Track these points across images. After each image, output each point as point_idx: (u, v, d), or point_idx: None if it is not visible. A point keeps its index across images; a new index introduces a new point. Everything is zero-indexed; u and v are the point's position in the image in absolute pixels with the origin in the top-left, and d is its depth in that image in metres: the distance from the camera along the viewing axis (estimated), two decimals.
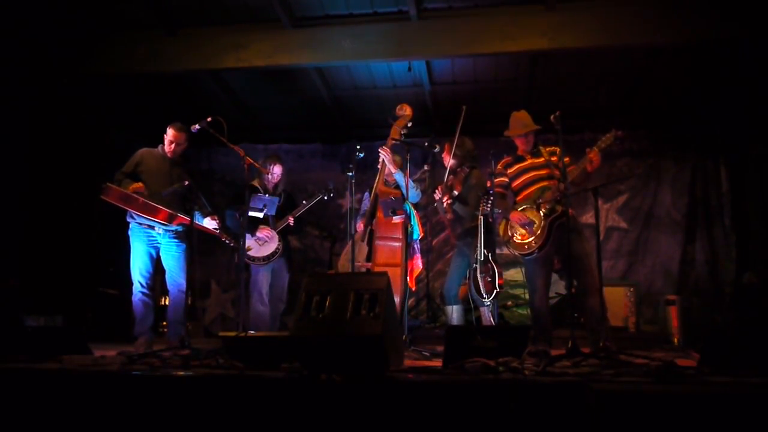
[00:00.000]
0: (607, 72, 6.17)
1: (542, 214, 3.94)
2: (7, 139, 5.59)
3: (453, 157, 4.56)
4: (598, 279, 3.66)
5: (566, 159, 3.76)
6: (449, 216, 4.49)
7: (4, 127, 5.54)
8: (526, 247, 4.01)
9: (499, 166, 4.25)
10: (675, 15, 5.05)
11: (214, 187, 7.35)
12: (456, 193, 4.47)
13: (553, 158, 4.04)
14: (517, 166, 4.21)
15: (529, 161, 4.15)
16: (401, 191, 4.49)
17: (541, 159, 4.09)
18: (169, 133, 4.39)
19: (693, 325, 5.85)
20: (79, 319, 5.97)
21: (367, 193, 4.85)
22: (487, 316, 4.39)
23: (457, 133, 4.43)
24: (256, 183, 4.86)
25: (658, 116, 6.90)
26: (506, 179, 4.26)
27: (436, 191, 4.48)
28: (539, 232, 3.94)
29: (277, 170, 4.90)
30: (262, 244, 4.70)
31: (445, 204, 4.40)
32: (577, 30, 5.19)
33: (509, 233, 4.13)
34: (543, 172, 4.06)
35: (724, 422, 1.96)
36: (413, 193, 4.47)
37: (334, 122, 7.37)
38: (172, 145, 4.39)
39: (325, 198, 5.01)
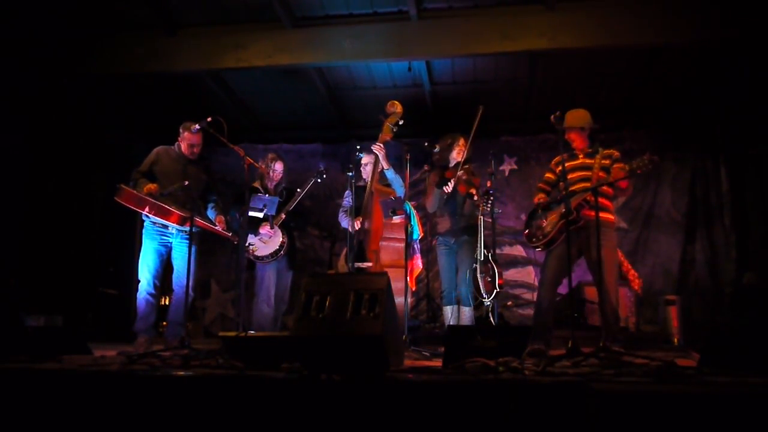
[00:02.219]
0: (607, 72, 6.17)
1: (560, 213, 3.95)
2: (8, 139, 5.59)
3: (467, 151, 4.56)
4: (609, 285, 3.72)
5: (619, 165, 3.76)
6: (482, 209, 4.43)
7: (5, 126, 5.54)
8: (534, 239, 4.09)
9: (552, 164, 4.31)
10: (675, 15, 5.05)
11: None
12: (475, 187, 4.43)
13: (605, 161, 4.01)
14: (568, 164, 4.14)
15: (581, 161, 4.12)
16: (394, 189, 4.54)
17: (592, 160, 4.05)
18: (187, 137, 4.39)
19: (693, 325, 5.85)
20: (79, 319, 5.97)
21: (348, 191, 4.83)
22: (468, 316, 4.38)
23: (473, 131, 4.41)
24: (257, 184, 4.87)
25: (658, 116, 6.90)
26: (553, 176, 4.27)
27: (448, 184, 4.40)
28: (550, 228, 3.98)
29: (278, 167, 4.91)
30: (266, 241, 4.70)
31: (480, 202, 4.36)
32: (577, 30, 5.19)
33: (531, 223, 4.17)
34: (587, 173, 4.03)
35: (724, 422, 1.96)
36: (401, 189, 4.54)
37: (334, 122, 7.37)
38: (193, 148, 4.42)
39: (319, 180, 5.00)
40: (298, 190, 4.90)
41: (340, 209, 4.94)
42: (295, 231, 5.11)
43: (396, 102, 4.56)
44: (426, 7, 5.34)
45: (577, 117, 4.12)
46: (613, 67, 6.04)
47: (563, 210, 3.90)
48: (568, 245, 3.52)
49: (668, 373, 2.34)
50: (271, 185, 4.91)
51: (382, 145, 4.45)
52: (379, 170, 4.56)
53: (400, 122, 4.48)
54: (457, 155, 4.56)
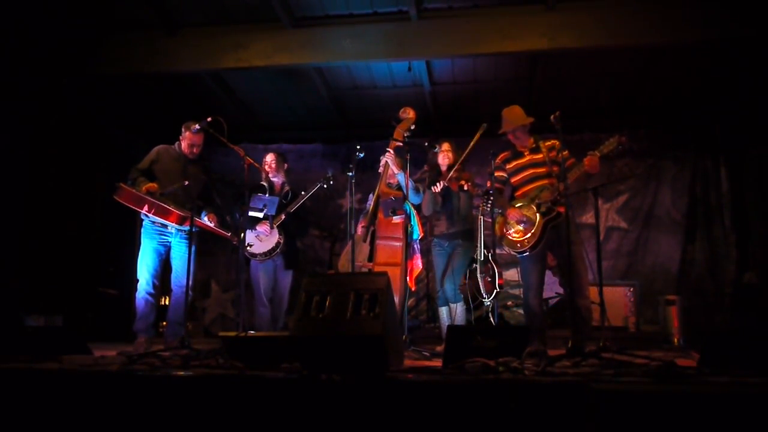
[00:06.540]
0: (607, 72, 6.17)
1: (540, 213, 3.93)
2: (8, 139, 5.59)
3: (451, 155, 4.58)
4: (586, 282, 3.70)
5: (565, 152, 3.70)
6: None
7: (5, 126, 5.54)
8: (518, 245, 3.99)
9: (497, 161, 4.21)
10: (675, 15, 5.06)
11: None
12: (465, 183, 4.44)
13: (552, 153, 4.02)
14: (515, 162, 4.18)
15: (528, 158, 4.12)
16: (402, 192, 4.51)
17: (540, 155, 4.06)
18: (188, 137, 4.37)
19: (693, 325, 5.85)
20: (79, 319, 5.97)
21: (371, 194, 4.85)
22: (459, 313, 4.39)
23: (471, 145, 4.38)
24: (264, 183, 4.88)
25: (658, 116, 6.90)
26: (504, 174, 4.24)
27: (437, 184, 4.42)
28: (533, 230, 3.93)
29: (268, 158, 4.92)
30: (262, 240, 4.69)
31: (471, 189, 4.37)
32: (577, 30, 5.19)
33: (504, 230, 4.09)
34: (542, 170, 4.03)
35: (724, 422, 1.96)
36: (414, 195, 4.50)
37: (334, 122, 7.37)
38: (193, 148, 4.41)
39: (325, 186, 4.98)
40: (303, 192, 4.91)
41: (362, 214, 4.91)
42: (298, 236, 5.11)
43: (409, 108, 4.55)
44: (426, 7, 5.34)
45: (518, 115, 4.11)
46: (613, 67, 6.04)
47: (542, 209, 3.89)
48: (568, 244, 3.52)
49: (668, 373, 2.34)
50: (277, 182, 4.91)
51: (392, 150, 4.46)
52: (390, 173, 4.57)
53: (412, 128, 4.48)
54: (442, 160, 4.60)
